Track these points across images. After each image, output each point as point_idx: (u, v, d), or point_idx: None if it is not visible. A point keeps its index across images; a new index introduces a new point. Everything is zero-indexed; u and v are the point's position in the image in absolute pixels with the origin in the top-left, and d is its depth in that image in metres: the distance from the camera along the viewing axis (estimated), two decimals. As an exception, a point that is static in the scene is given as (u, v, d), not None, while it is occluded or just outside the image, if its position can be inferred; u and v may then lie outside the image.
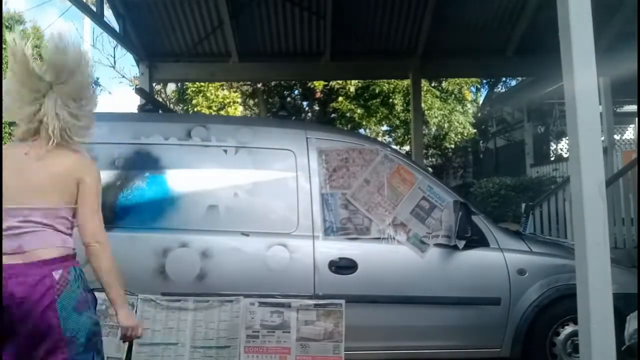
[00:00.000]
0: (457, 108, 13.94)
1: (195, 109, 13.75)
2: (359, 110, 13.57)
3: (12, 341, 1.78)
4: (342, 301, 3.20)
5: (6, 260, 1.81)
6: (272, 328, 3.17)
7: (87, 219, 2.04)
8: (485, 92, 17.78)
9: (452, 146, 15.43)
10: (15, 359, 1.79)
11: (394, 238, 3.36)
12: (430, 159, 16.41)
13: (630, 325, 2.88)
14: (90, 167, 2.07)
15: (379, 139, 14.26)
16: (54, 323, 1.80)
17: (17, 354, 1.79)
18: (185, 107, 14.77)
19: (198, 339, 3.11)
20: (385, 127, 15.59)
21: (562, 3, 2.50)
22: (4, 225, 1.84)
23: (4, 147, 1.96)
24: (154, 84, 8.48)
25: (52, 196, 1.92)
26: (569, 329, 3.39)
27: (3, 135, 11.63)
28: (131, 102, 12.69)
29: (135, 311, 3.07)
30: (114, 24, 6.87)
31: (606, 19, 6.34)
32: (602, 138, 7.09)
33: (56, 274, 1.86)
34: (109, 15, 6.97)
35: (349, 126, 13.81)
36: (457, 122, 13.80)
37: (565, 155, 12.65)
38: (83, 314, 1.89)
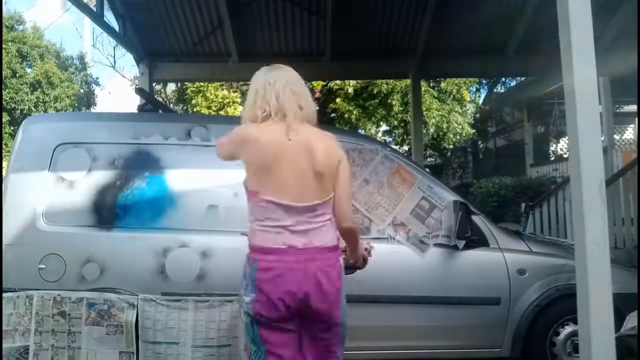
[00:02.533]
0: (456, 108, 13.95)
1: (195, 109, 13.75)
2: (355, 112, 13.57)
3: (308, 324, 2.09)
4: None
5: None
6: (272, 328, 3.17)
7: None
8: (485, 92, 17.79)
9: (451, 146, 15.43)
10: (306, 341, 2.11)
11: (394, 238, 3.36)
12: (429, 159, 16.41)
13: (629, 323, 2.88)
14: None
15: (378, 139, 14.27)
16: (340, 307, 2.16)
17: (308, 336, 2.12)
18: (185, 107, 14.77)
19: (199, 339, 3.11)
20: (384, 127, 15.60)
21: (562, 3, 2.50)
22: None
23: None
24: (154, 84, 8.47)
25: None
26: (569, 329, 3.39)
27: (3, 135, 11.63)
28: (131, 102, 12.69)
29: (136, 311, 3.07)
30: (114, 24, 6.87)
31: (606, 19, 6.35)
32: (602, 138, 7.09)
33: (341, 260, 2.15)
34: (109, 15, 6.97)
35: (348, 127, 13.81)
36: (456, 123, 13.80)
37: (565, 155, 12.65)
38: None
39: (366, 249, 2.41)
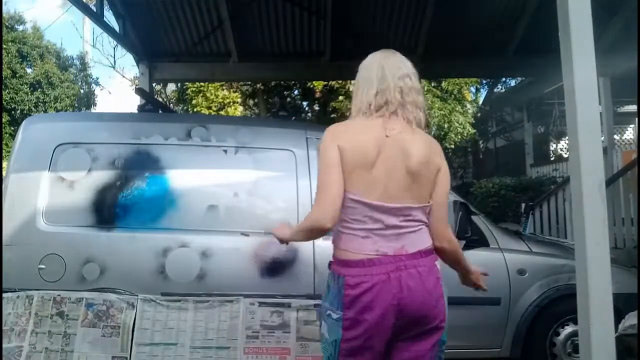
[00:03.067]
0: (457, 108, 13.95)
1: (195, 109, 13.75)
2: None
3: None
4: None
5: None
6: (272, 328, 3.17)
7: None
8: (485, 92, 17.79)
9: (452, 146, 15.43)
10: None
11: (394, 238, 3.35)
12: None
13: (627, 321, 2.88)
14: None
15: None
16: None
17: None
18: (185, 107, 14.78)
19: (198, 339, 3.11)
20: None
21: (562, 3, 2.50)
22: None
23: None
24: (154, 84, 8.47)
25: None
26: (569, 329, 3.39)
27: (3, 135, 11.63)
28: (131, 102, 12.71)
29: (136, 311, 3.07)
30: (114, 24, 6.86)
31: (606, 19, 6.35)
32: (602, 138, 7.08)
33: (438, 264, 1.93)
34: (109, 15, 6.97)
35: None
36: (457, 123, 13.81)
37: (565, 155, 12.66)
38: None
39: (483, 274, 2.17)
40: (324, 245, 3.29)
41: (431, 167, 1.90)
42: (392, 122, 1.92)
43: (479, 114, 16.43)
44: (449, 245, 1.93)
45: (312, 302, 3.20)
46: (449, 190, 1.95)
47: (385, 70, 2.07)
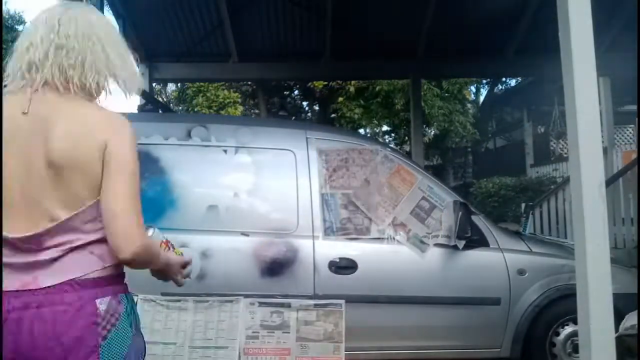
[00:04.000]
0: (457, 108, 13.95)
1: (195, 109, 13.76)
2: (356, 111, 13.58)
3: None
4: (342, 301, 3.20)
5: None
6: (272, 328, 3.17)
7: None
8: (486, 92, 17.80)
9: (453, 146, 15.45)
10: None
11: (394, 238, 3.36)
12: (430, 159, 16.42)
13: (628, 321, 2.88)
14: None
15: (379, 139, 14.26)
16: None
17: None
18: (185, 107, 14.78)
19: (197, 339, 3.10)
20: (385, 127, 15.61)
21: (562, 3, 2.50)
22: None
23: None
24: (154, 84, 8.47)
25: None
26: (569, 329, 3.39)
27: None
28: (131, 102, 12.70)
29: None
30: (114, 24, 6.87)
31: (606, 19, 6.34)
32: (602, 138, 7.08)
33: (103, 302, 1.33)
34: (109, 15, 6.96)
35: (349, 126, 13.82)
36: (458, 122, 13.81)
37: (565, 155, 12.65)
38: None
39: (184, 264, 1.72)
40: (324, 245, 3.31)
41: (88, 150, 1.32)
42: (40, 93, 1.32)
43: (479, 114, 16.43)
44: (144, 251, 1.39)
45: (312, 302, 3.20)
46: (130, 172, 1.45)
47: (39, 21, 1.37)
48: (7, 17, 14.08)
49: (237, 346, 3.12)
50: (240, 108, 15.16)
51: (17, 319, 1.23)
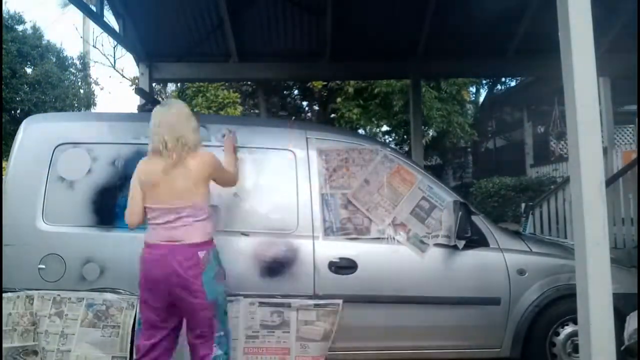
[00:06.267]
0: (456, 109, 13.95)
1: (195, 109, 13.76)
2: (355, 111, 13.58)
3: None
4: (340, 301, 3.20)
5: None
6: (272, 328, 3.17)
7: None
8: (485, 92, 17.80)
9: (452, 147, 15.45)
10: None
11: (394, 238, 3.36)
12: (430, 159, 16.42)
13: (630, 325, 2.88)
14: None
15: (379, 139, 14.27)
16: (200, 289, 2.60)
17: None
18: (185, 107, 14.73)
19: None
20: (385, 127, 15.61)
21: (562, 3, 2.50)
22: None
23: None
24: (154, 84, 8.47)
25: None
26: (569, 329, 3.39)
27: (3, 134, 11.63)
28: (131, 102, 12.74)
29: (135, 311, 3.07)
30: (114, 24, 6.86)
31: (606, 19, 6.34)
32: (602, 138, 7.08)
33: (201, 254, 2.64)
34: (108, 15, 6.96)
35: (348, 126, 13.82)
36: (456, 124, 13.81)
37: (565, 156, 12.65)
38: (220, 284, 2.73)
39: None
40: (324, 245, 3.31)
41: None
42: None
43: (478, 114, 16.43)
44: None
45: (312, 302, 3.20)
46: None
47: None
48: (7, 17, 14.06)
49: (238, 346, 3.12)
50: (240, 108, 15.15)
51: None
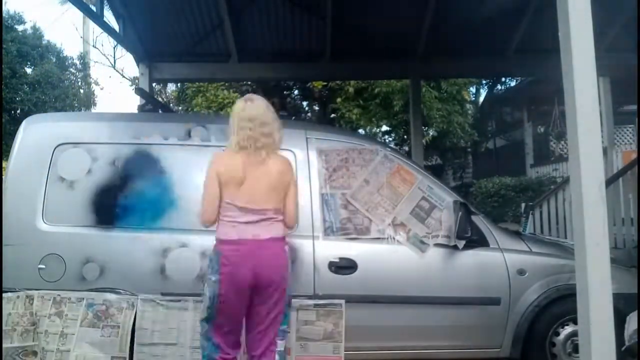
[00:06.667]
0: (456, 109, 13.95)
1: (195, 109, 13.75)
2: (355, 111, 13.57)
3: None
4: (342, 301, 3.20)
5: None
6: (272, 328, 3.17)
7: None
8: (485, 92, 17.80)
9: (452, 147, 15.44)
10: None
11: (394, 238, 3.36)
12: (430, 159, 16.42)
13: (630, 325, 2.88)
14: None
15: (379, 139, 14.26)
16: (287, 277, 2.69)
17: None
18: (185, 107, 14.78)
19: (198, 339, 3.10)
20: (385, 127, 15.61)
21: (562, 3, 2.50)
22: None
23: None
24: (154, 84, 8.47)
25: None
26: (569, 329, 3.39)
27: (3, 135, 11.63)
28: (131, 102, 12.75)
29: (135, 311, 3.07)
30: (114, 24, 6.86)
31: (606, 19, 6.34)
32: (602, 138, 7.07)
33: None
34: (109, 15, 6.96)
35: (348, 127, 13.82)
36: (456, 124, 13.81)
37: (565, 156, 12.65)
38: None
39: None
40: (324, 245, 3.31)
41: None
42: None
43: (478, 114, 16.42)
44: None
45: (312, 302, 3.20)
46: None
47: None
48: (7, 17, 14.06)
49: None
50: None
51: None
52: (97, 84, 17.01)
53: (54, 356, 2.99)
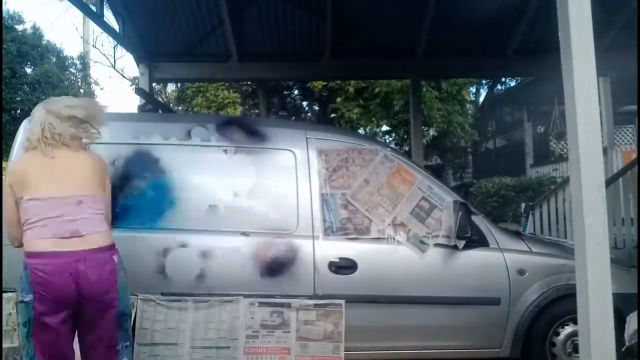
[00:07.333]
0: (456, 109, 13.95)
1: (195, 109, 13.76)
2: (355, 111, 13.58)
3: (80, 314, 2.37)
4: (342, 301, 3.20)
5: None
6: (272, 328, 3.17)
7: None
8: (485, 92, 17.80)
9: (452, 147, 15.44)
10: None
11: (394, 238, 3.36)
12: (430, 159, 16.43)
13: (630, 325, 2.88)
14: None
15: (379, 139, 14.26)
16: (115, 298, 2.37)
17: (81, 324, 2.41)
18: (185, 107, 14.78)
19: (198, 339, 3.11)
20: (385, 127, 15.61)
21: (562, 3, 2.50)
22: None
23: None
24: (154, 84, 8.47)
25: None
26: (569, 329, 3.39)
27: (3, 135, 11.62)
28: (131, 102, 12.74)
29: (135, 311, 3.07)
30: (114, 24, 6.86)
31: (606, 19, 6.34)
32: (602, 138, 7.07)
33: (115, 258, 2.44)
34: (108, 15, 6.96)
35: (348, 126, 13.83)
36: (457, 124, 13.82)
37: (565, 156, 12.65)
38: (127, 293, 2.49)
39: None
40: (324, 245, 3.31)
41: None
42: None
43: (478, 114, 16.42)
44: None
45: (312, 302, 3.20)
46: None
47: None
48: (7, 17, 14.05)
49: (239, 346, 3.12)
50: (240, 108, 15.15)
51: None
52: (97, 84, 17.02)
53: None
